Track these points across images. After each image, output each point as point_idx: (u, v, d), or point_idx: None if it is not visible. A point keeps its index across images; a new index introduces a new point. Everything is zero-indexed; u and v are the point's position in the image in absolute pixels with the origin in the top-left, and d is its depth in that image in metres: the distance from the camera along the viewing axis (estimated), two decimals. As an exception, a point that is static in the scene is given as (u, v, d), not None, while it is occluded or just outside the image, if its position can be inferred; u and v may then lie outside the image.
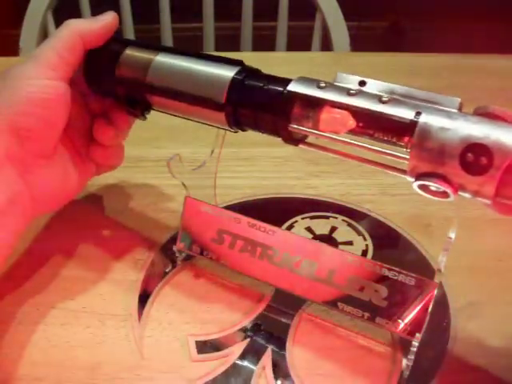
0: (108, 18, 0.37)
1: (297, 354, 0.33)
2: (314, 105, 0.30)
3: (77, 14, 0.90)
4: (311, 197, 0.46)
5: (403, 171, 0.28)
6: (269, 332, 0.34)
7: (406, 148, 0.27)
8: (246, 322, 0.35)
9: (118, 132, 0.39)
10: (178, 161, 0.37)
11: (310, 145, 0.32)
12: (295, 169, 0.49)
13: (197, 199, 0.37)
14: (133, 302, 0.36)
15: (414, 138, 0.26)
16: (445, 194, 0.27)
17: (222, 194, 0.42)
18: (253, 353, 0.33)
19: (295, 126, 0.30)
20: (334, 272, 0.33)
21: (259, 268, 0.35)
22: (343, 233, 0.42)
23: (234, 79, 0.32)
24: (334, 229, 0.42)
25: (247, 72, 0.33)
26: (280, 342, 0.34)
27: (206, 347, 0.33)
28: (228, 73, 0.33)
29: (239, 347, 0.33)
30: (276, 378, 0.32)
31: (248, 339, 0.34)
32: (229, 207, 0.43)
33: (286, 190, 0.46)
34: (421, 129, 0.26)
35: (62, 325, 0.35)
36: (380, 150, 0.28)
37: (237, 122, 0.33)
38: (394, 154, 0.28)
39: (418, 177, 0.27)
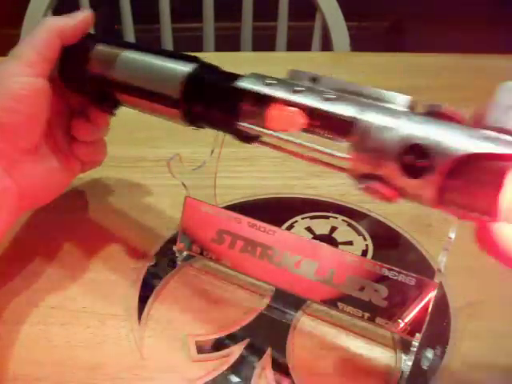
0: (83, 16, 0.37)
1: (297, 354, 0.33)
2: (261, 102, 0.29)
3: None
4: (311, 197, 0.46)
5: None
6: (269, 332, 0.34)
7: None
8: (246, 322, 0.35)
9: (96, 129, 0.40)
10: (178, 161, 0.37)
11: (265, 143, 0.31)
12: (295, 169, 0.49)
13: (197, 199, 0.37)
14: (133, 302, 0.36)
15: (353, 136, 0.25)
16: (388, 198, 0.25)
17: (222, 194, 0.42)
18: (253, 353, 0.33)
19: (243, 124, 0.30)
20: (333, 272, 0.33)
21: (259, 268, 0.35)
22: (343, 233, 0.42)
23: (188, 75, 0.32)
24: (334, 229, 0.42)
25: (203, 68, 0.33)
26: (280, 342, 0.33)
27: (206, 347, 0.33)
28: (184, 69, 0.33)
29: (239, 347, 0.33)
30: (276, 378, 0.32)
31: (248, 339, 0.34)
32: (229, 207, 0.43)
33: (286, 190, 0.46)
34: (361, 127, 0.25)
35: (62, 325, 0.35)
36: (321, 149, 0.27)
37: (192, 119, 0.33)
38: (335, 154, 0.27)
39: (360, 178, 0.26)
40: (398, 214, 0.43)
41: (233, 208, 0.43)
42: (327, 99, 0.27)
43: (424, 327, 0.30)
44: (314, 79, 0.29)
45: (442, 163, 0.23)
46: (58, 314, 0.36)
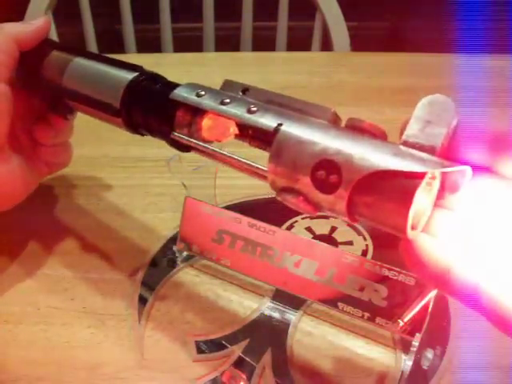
0: (40, 22, 0.38)
1: (297, 354, 0.33)
2: (193, 112, 0.30)
3: (76, 14, 0.89)
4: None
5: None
6: (269, 332, 0.34)
7: None
8: (246, 322, 0.35)
9: (57, 132, 0.40)
10: (178, 161, 0.37)
11: (199, 151, 0.31)
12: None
13: (197, 199, 0.37)
14: (133, 302, 0.36)
15: (271, 149, 0.25)
16: (307, 211, 0.25)
17: (221, 194, 0.42)
18: (253, 353, 0.33)
19: (177, 134, 0.30)
20: (334, 272, 0.33)
21: (259, 268, 0.35)
22: (343, 233, 0.42)
23: (128, 84, 0.32)
24: (334, 229, 0.42)
25: (144, 77, 0.33)
26: (280, 342, 0.34)
27: (206, 347, 0.33)
28: (124, 77, 0.33)
29: (239, 347, 0.33)
30: (276, 378, 0.32)
31: (248, 339, 0.34)
32: (229, 207, 0.43)
33: (286, 190, 0.46)
34: (279, 139, 0.25)
35: (62, 325, 0.35)
36: (243, 161, 0.28)
37: (133, 127, 0.33)
38: (254, 165, 0.27)
39: (279, 191, 0.26)
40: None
41: (233, 208, 0.43)
42: (251, 111, 0.27)
43: (424, 327, 0.30)
44: (245, 90, 0.29)
45: (350, 179, 0.22)
46: (58, 314, 0.36)
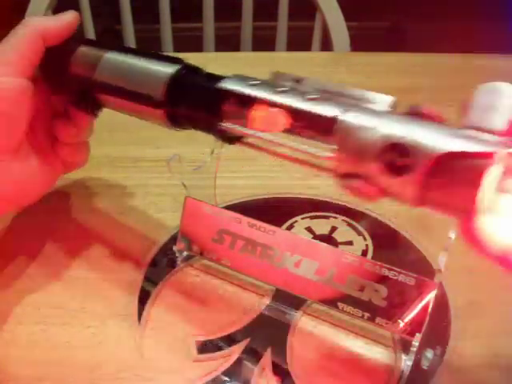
0: (68, 17, 0.37)
1: (297, 354, 0.33)
2: (244, 103, 0.29)
3: (77, 14, 0.89)
4: (311, 197, 0.46)
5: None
6: (269, 332, 0.34)
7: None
8: (246, 322, 0.35)
9: (78, 130, 0.40)
10: (178, 161, 0.37)
11: (246, 144, 0.31)
12: (295, 169, 0.48)
13: (197, 199, 0.37)
14: (133, 302, 0.36)
15: (335, 136, 0.26)
16: (370, 196, 0.25)
17: (222, 194, 0.42)
18: (253, 353, 0.33)
19: (225, 125, 0.30)
20: (333, 272, 0.33)
21: (259, 268, 0.35)
22: (343, 233, 0.42)
23: (172, 77, 0.32)
24: (334, 229, 0.42)
25: (187, 70, 0.33)
26: (280, 343, 0.34)
27: (205, 347, 0.33)
28: (167, 70, 0.33)
29: (239, 347, 0.33)
30: (276, 378, 0.32)
31: (248, 339, 0.34)
32: (229, 207, 0.43)
33: (286, 190, 0.46)
34: (342, 127, 0.25)
35: (62, 325, 0.35)
36: (304, 149, 0.28)
37: (176, 120, 0.33)
38: (317, 154, 0.27)
39: (342, 177, 0.26)
40: (398, 213, 0.43)
41: (233, 208, 0.43)
42: (310, 99, 0.27)
43: (424, 327, 0.30)
44: (298, 80, 0.29)
45: (422, 161, 0.23)
46: (58, 313, 0.36)
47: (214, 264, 0.38)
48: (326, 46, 0.87)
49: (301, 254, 0.34)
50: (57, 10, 0.85)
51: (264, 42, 0.90)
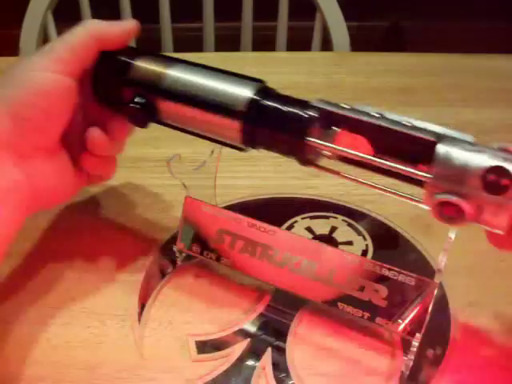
0: (129, 25, 0.36)
1: (297, 354, 0.33)
2: (336, 122, 0.30)
3: (77, 14, 0.89)
4: (311, 197, 0.46)
5: (417, 200, 0.29)
6: (269, 332, 0.34)
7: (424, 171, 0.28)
8: (246, 322, 0.35)
9: (112, 144, 0.38)
10: (178, 161, 0.37)
11: (323, 169, 0.32)
12: (295, 169, 0.48)
13: (197, 199, 0.37)
14: (133, 302, 0.36)
15: (436, 156, 0.27)
16: (461, 215, 0.27)
17: (222, 194, 0.42)
18: (253, 353, 0.33)
19: (314, 140, 0.30)
20: (333, 272, 0.33)
21: (259, 268, 0.35)
22: (343, 233, 0.42)
23: (258, 89, 0.32)
24: (334, 229, 0.42)
25: (264, 90, 0.33)
26: (280, 342, 0.34)
27: (206, 347, 0.33)
28: (247, 91, 0.32)
29: (239, 347, 0.33)
30: (276, 378, 0.32)
31: (248, 339, 0.34)
32: (229, 207, 0.43)
33: (286, 190, 0.46)
34: (442, 150, 0.27)
35: (62, 325, 0.35)
36: (399, 168, 0.29)
37: (253, 140, 0.33)
38: (415, 172, 0.28)
39: (439, 193, 0.27)
40: (397, 214, 0.43)
41: (233, 208, 0.43)
42: (407, 126, 0.29)
43: (424, 327, 0.30)
44: (381, 114, 0.30)
45: None
46: (58, 314, 0.36)
47: (214, 264, 0.38)
48: (326, 46, 0.87)
49: (301, 254, 0.34)
50: (57, 10, 0.85)
51: (264, 42, 0.90)
